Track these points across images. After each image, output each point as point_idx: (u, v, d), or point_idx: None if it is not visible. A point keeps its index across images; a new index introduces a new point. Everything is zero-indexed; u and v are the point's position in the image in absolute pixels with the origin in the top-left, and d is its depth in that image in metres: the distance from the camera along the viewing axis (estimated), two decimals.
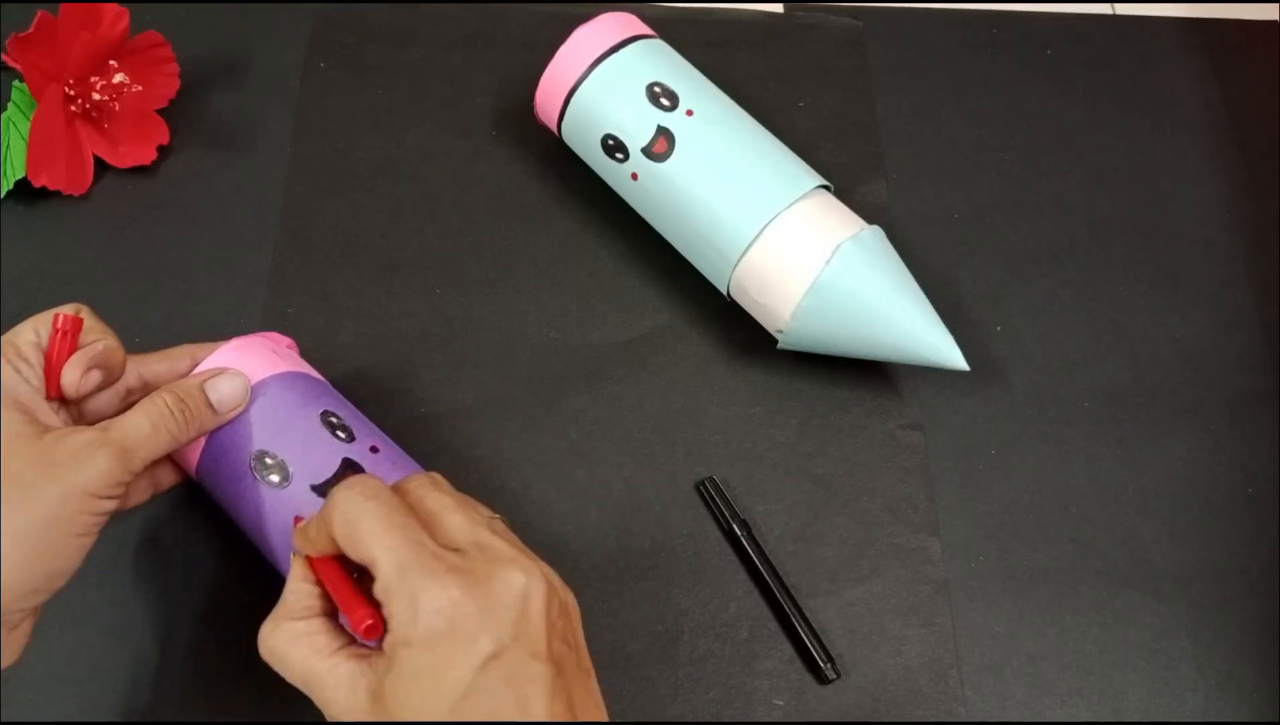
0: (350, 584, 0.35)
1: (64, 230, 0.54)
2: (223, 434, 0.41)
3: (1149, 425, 0.52)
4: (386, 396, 0.51)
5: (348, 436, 0.42)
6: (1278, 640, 0.48)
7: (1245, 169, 0.60)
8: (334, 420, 0.42)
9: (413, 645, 0.32)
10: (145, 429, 0.37)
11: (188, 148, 0.57)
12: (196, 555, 0.47)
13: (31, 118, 0.53)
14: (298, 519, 0.39)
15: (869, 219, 0.50)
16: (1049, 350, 0.54)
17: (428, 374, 0.51)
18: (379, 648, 0.33)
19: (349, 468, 0.41)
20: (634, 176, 0.51)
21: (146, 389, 0.41)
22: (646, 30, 0.53)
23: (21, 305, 0.52)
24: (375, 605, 0.33)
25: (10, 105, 0.55)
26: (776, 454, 0.51)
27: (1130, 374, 0.54)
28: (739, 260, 0.48)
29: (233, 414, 0.41)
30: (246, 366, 0.42)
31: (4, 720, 0.44)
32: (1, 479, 0.34)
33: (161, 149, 0.56)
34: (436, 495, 0.36)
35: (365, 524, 0.33)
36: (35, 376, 0.37)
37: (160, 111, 0.56)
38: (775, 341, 0.50)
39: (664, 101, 0.50)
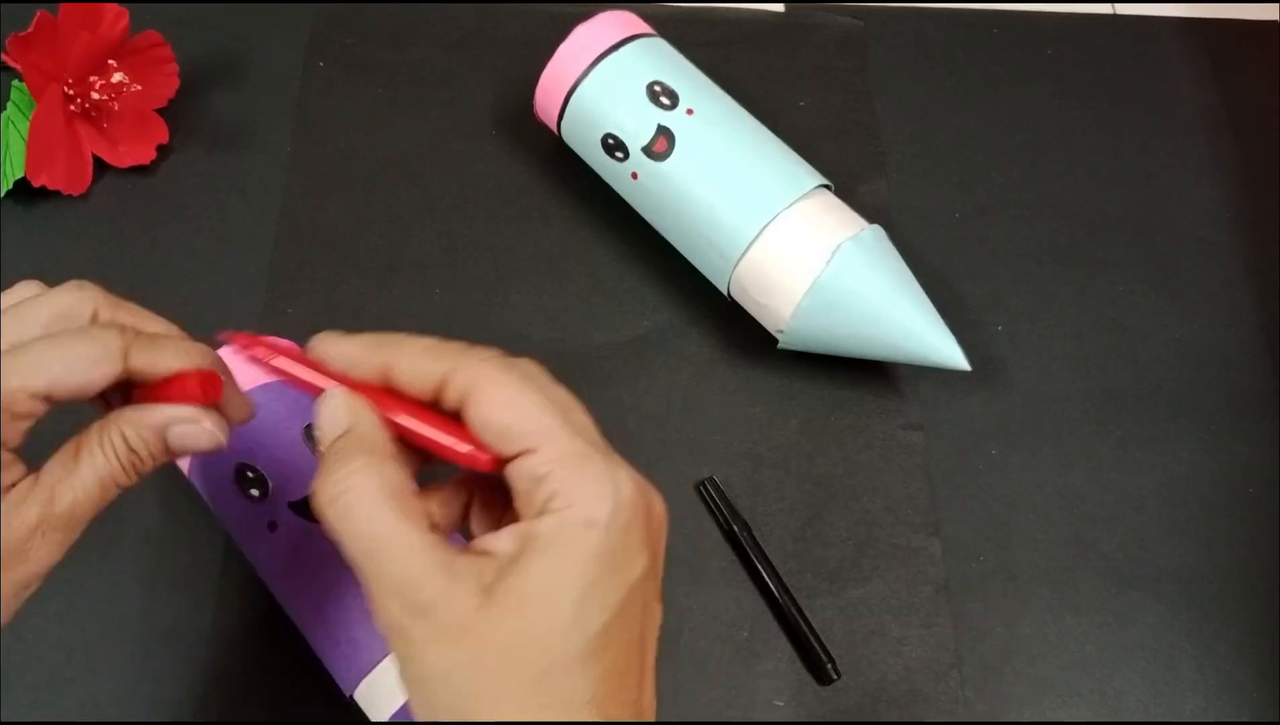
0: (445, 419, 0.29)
1: (63, 230, 0.54)
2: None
3: (1149, 425, 0.52)
4: None
5: None
6: (1278, 640, 0.48)
7: (1245, 169, 0.60)
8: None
9: (596, 526, 0.26)
10: (94, 494, 0.30)
11: (187, 147, 0.57)
12: (199, 556, 0.47)
13: (31, 117, 0.52)
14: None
15: (869, 218, 0.50)
16: (1049, 350, 0.54)
17: None
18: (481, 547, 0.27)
19: None
20: (634, 176, 0.51)
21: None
22: (646, 29, 0.53)
23: None
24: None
25: (10, 105, 0.55)
26: (776, 454, 0.51)
27: (1130, 374, 0.54)
28: (739, 260, 0.48)
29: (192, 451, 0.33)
30: (234, 375, 0.41)
31: (4, 720, 0.44)
32: None
33: (161, 149, 0.56)
34: (558, 387, 0.31)
35: (521, 391, 0.28)
36: None
37: (160, 111, 0.56)
38: (775, 341, 0.50)
39: (664, 100, 0.50)
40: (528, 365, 0.30)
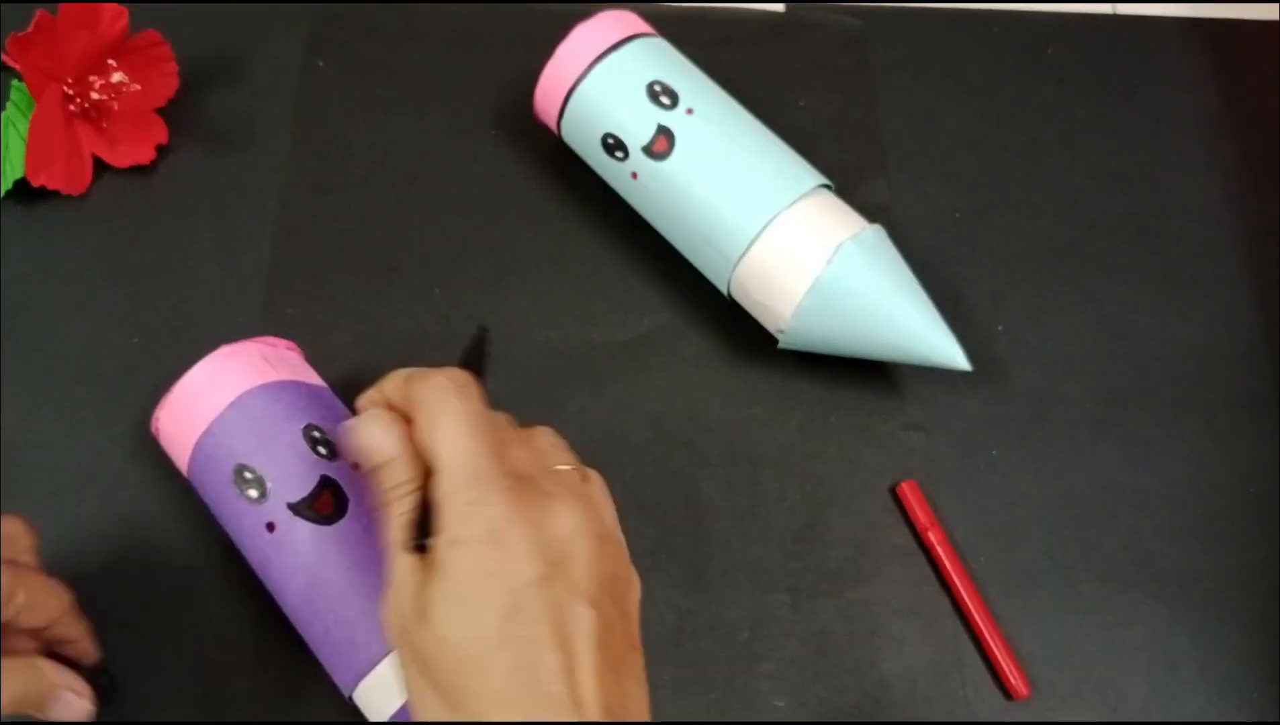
0: None
1: (62, 230, 0.54)
2: (208, 443, 0.41)
3: (1150, 425, 0.52)
4: None
5: (330, 452, 0.42)
6: (1279, 640, 0.48)
7: (1245, 169, 0.60)
8: (316, 435, 0.42)
9: (461, 544, 0.31)
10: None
11: (186, 147, 0.57)
12: (199, 556, 0.46)
13: (30, 117, 0.52)
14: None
15: (870, 218, 0.50)
16: (1050, 350, 0.54)
17: None
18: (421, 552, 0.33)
19: (327, 486, 0.40)
20: (634, 175, 0.51)
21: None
22: (646, 28, 0.53)
23: (20, 305, 0.52)
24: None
25: (9, 105, 0.55)
26: (776, 454, 0.51)
27: (1131, 374, 0.54)
28: (739, 259, 0.48)
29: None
30: (232, 376, 0.42)
31: (4, 720, 0.43)
32: None
33: (160, 148, 0.56)
34: (509, 430, 0.36)
35: (448, 421, 0.33)
36: None
37: (159, 111, 0.56)
38: (775, 341, 0.50)
39: (664, 100, 0.50)
40: (458, 389, 0.34)
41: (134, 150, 0.55)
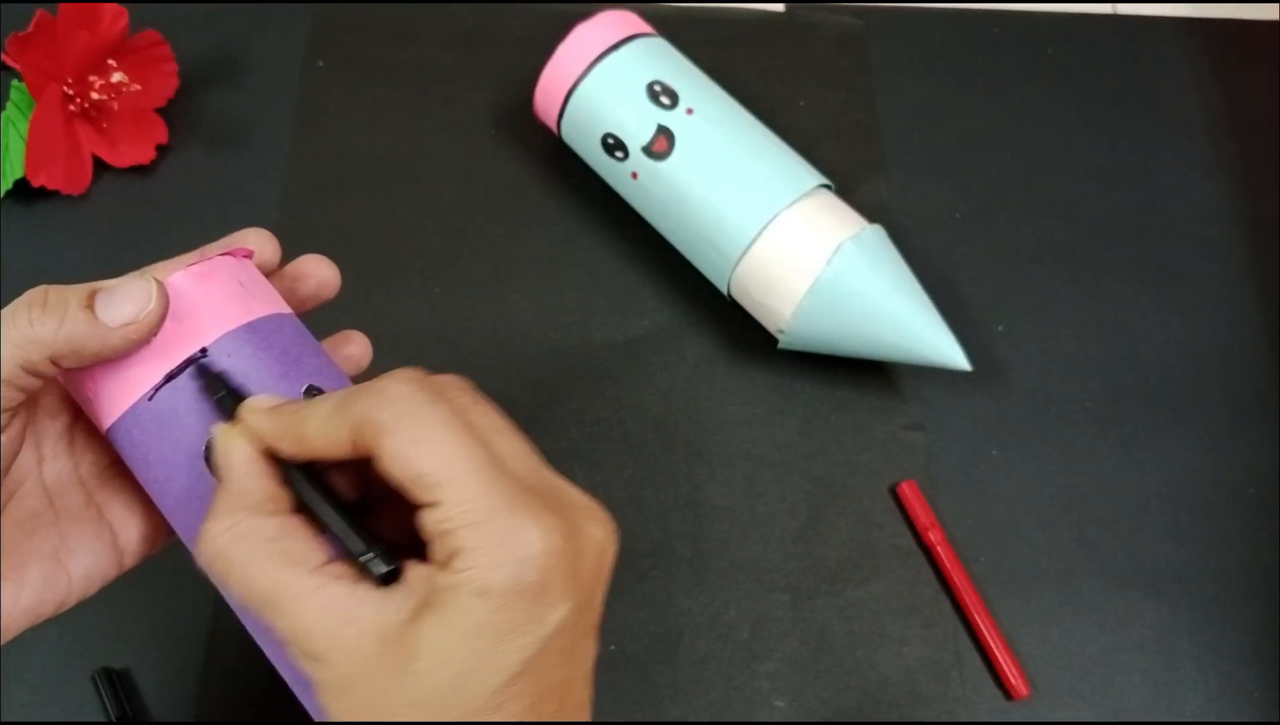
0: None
1: (63, 230, 0.54)
2: (163, 402, 0.31)
3: (1150, 425, 0.52)
4: None
5: None
6: (1279, 640, 0.48)
7: (1245, 169, 0.60)
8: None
9: (490, 595, 0.25)
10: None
11: (186, 147, 0.57)
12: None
13: (30, 117, 0.52)
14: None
15: (870, 218, 0.50)
16: (1050, 350, 0.54)
17: None
18: (394, 582, 0.27)
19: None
20: (634, 175, 0.51)
21: None
22: (646, 28, 0.53)
23: None
24: (402, 534, 0.27)
25: (9, 105, 0.55)
26: (776, 454, 0.51)
27: (1131, 374, 0.54)
28: (740, 259, 0.48)
29: (130, 333, 0.29)
30: (210, 305, 0.32)
31: (4, 720, 0.43)
32: None
33: (160, 148, 0.56)
34: (483, 410, 0.29)
35: (434, 432, 0.26)
36: None
37: (159, 111, 0.56)
38: (776, 341, 0.50)
39: (664, 100, 0.50)
40: (447, 389, 0.28)
41: (134, 150, 0.55)
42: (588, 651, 0.28)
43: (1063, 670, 0.47)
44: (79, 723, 0.44)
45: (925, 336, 0.47)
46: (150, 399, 0.30)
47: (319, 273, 0.36)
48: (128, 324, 0.29)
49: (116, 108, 0.55)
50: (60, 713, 0.44)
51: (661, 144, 0.49)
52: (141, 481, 0.32)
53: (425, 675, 0.25)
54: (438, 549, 0.26)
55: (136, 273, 0.31)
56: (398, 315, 0.53)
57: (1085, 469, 0.51)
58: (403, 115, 0.58)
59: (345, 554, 0.28)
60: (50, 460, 0.33)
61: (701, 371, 0.52)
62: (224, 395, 0.30)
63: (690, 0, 0.63)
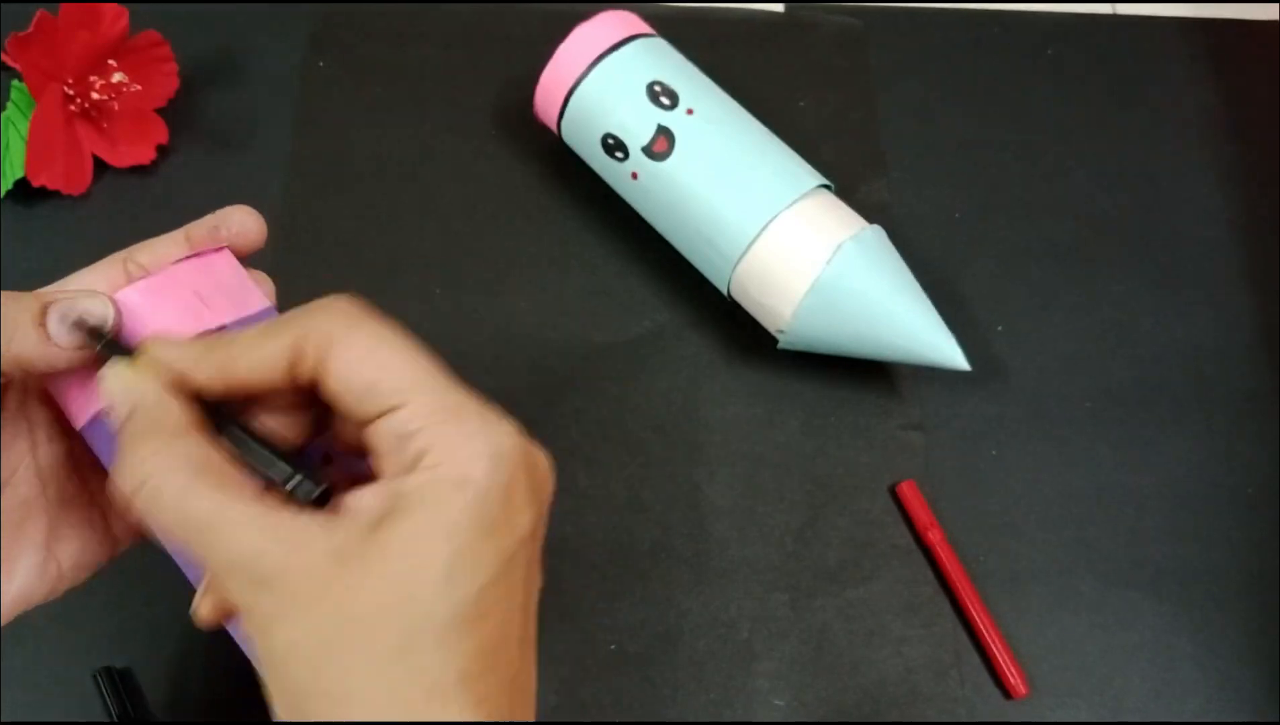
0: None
1: (63, 230, 0.54)
2: None
3: (1149, 425, 0.52)
4: None
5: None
6: (1278, 640, 0.48)
7: (1245, 169, 0.60)
8: None
9: (469, 487, 0.24)
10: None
11: (187, 147, 0.57)
12: None
13: (31, 117, 0.52)
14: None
15: (870, 218, 0.50)
16: (1050, 350, 0.54)
17: None
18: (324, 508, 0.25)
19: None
20: (634, 176, 0.51)
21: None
22: (646, 29, 0.53)
23: None
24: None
25: (9, 105, 0.55)
26: (776, 454, 0.51)
27: (1131, 374, 0.54)
28: (740, 260, 0.48)
29: (83, 356, 0.28)
30: (158, 322, 0.30)
31: (4, 720, 0.44)
32: None
33: (160, 148, 0.56)
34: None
35: (386, 340, 0.26)
36: None
37: (159, 111, 0.56)
38: (775, 341, 0.50)
39: (664, 100, 0.50)
40: (369, 313, 0.27)
41: (134, 150, 0.55)
42: (536, 582, 0.26)
43: (1062, 670, 0.47)
44: (80, 722, 0.44)
45: (925, 336, 0.47)
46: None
47: (238, 219, 0.34)
48: (80, 347, 0.28)
49: (117, 108, 0.55)
50: (61, 712, 0.44)
51: (661, 144, 0.49)
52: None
53: (403, 584, 0.23)
54: (398, 456, 0.25)
55: (99, 269, 0.31)
56: (398, 315, 0.52)
57: (1085, 469, 0.51)
58: (403, 115, 0.58)
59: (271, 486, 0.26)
60: (44, 445, 0.32)
61: (701, 371, 0.52)
62: (107, 342, 0.28)
63: (690, 0, 0.63)
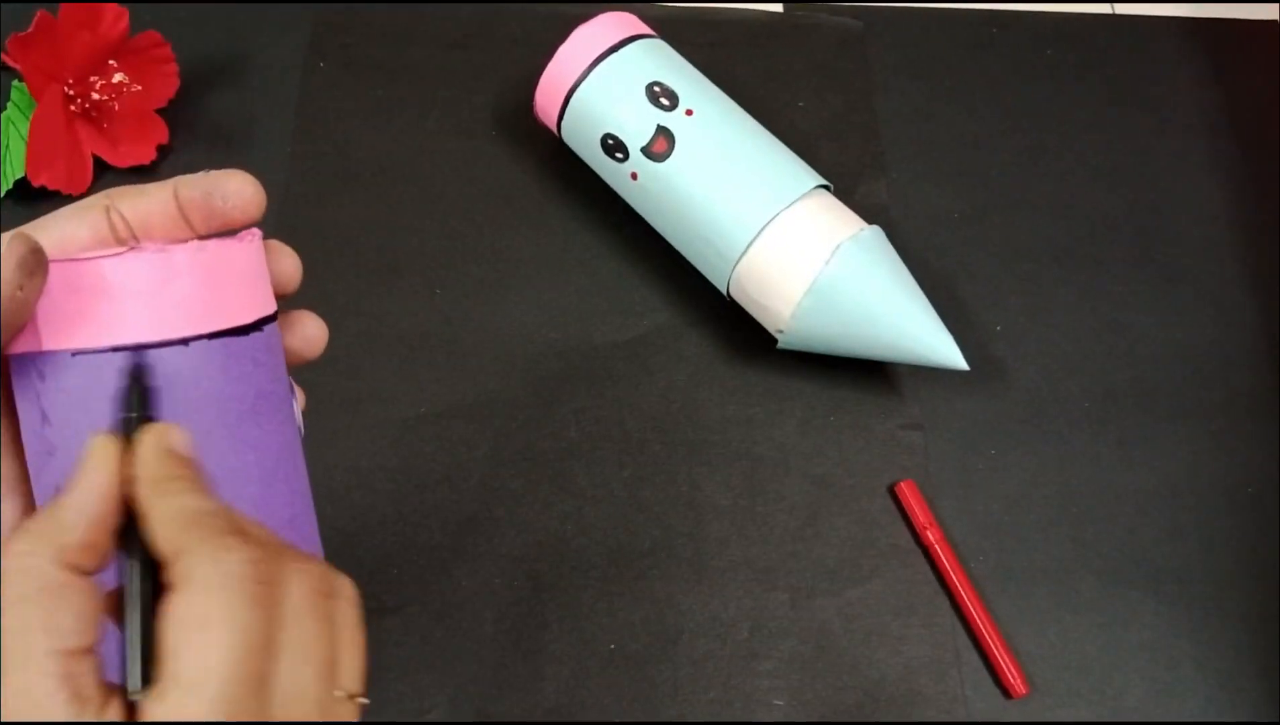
0: None
1: None
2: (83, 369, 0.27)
3: (1149, 425, 0.52)
4: (387, 396, 0.51)
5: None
6: (1278, 640, 0.48)
7: (1245, 169, 0.60)
8: None
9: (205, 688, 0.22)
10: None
11: (187, 147, 0.57)
12: None
13: (31, 117, 0.53)
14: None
15: (869, 219, 0.50)
16: (1049, 350, 0.54)
17: (428, 374, 0.51)
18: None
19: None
20: (634, 176, 0.51)
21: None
22: (646, 30, 0.53)
23: None
24: None
25: (10, 105, 0.55)
26: (776, 453, 0.51)
27: (1130, 374, 0.54)
28: (739, 260, 0.48)
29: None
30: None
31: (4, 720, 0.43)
32: None
33: (161, 149, 0.56)
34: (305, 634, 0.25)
35: (214, 620, 0.23)
36: None
37: (160, 111, 0.56)
38: (775, 341, 0.50)
39: (664, 101, 0.50)
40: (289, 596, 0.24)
41: (135, 150, 0.55)
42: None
43: (1061, 669, 0.47)
44: (81, 722, 0.44)
45: (923, 336, 0.48)
46: (73, 356, 0.27)
47: (235, 187, 0.32)
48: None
49: (117, 108, 0.55)
50: None
51: (661, 145, 0.49)
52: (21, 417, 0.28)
53: None
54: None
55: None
56: (398, 315, 0.53)
57: (1084, 468, 0.51)
58: (403, 116, 0.58)
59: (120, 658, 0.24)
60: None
61: (701, 371, 0.52)
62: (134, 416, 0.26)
63: (690, 1, 0.63)
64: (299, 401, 0.32)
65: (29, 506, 0.29)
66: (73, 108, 0.54)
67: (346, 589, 0.26)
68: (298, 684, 0.24)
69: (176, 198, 0.30)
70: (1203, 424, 0.53)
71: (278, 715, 0.23)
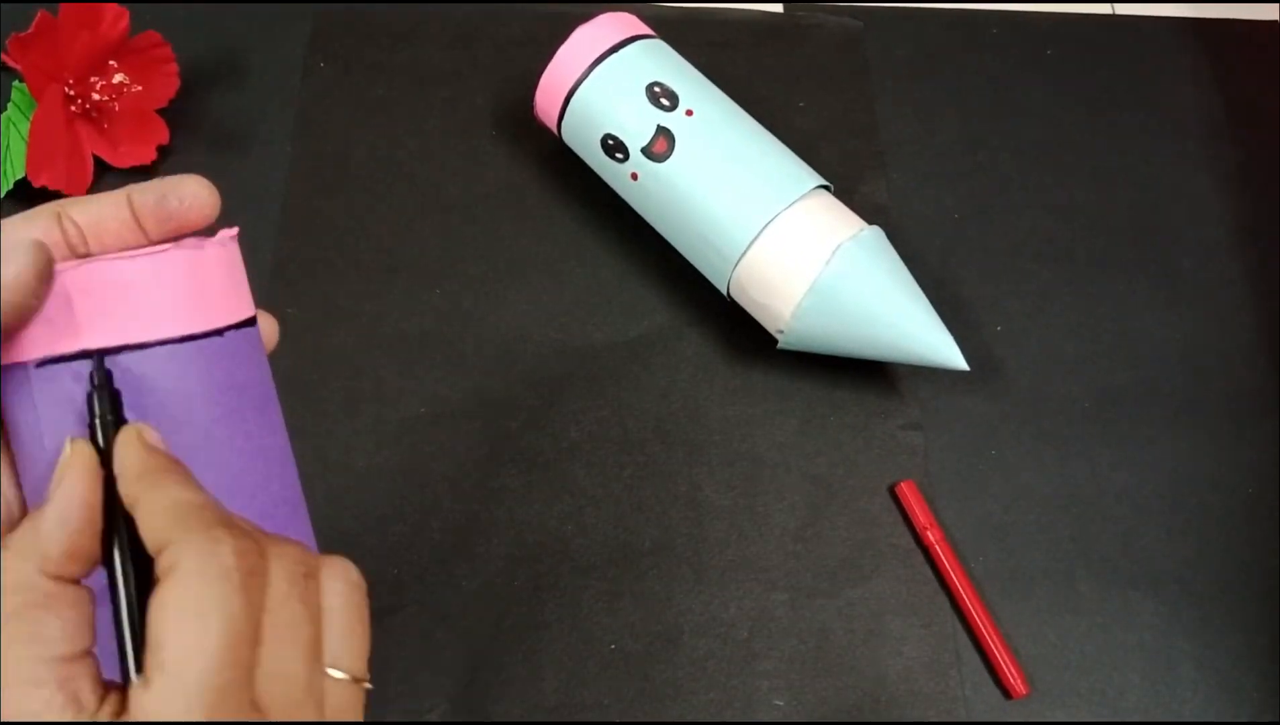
0: None
1: None
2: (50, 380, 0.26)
3: (1149, 425, 0.52)
4: (387, 396, 0.51)
5: None
6: (1278, 640, 0.48)
7: (1245, 169, 0.60)
8: None
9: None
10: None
11: (187, 148, 0.57)
12: None
13: (31, 118, 0.53)
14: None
15: (869, 219, 0.50)
16: (1049, 350, 0.54)
17: (428, 374, 0.51)
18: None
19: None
20: (634, 176, 0.51)
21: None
22: (646, 30, 0.53)
23: None
24: None
25: (10, 105, 0.55)
26: (776, 454, 0.51)
27: (1130, 374, 0.54)
28: (739, 260, 0.48)
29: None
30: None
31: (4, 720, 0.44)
32: None
33: (161, 149, 0.56)
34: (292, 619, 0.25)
35: (201, 610, 0.23)
36: None
37: (160, 111, 0.56)
38: (775, 341, 0.50)
39: (664, 101, 0.50)
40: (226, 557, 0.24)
41: (135, 151, 0.55)
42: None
43: (1061, 669, 0.47)
44: (89, 722, 0.44)
45: (924, 337, 0.48)
46: (38, 366, 0.26)
47: (190, 189, 0.31)
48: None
49: (118, 108, 0.55)
50: None
51: (661, 145, 0.49)
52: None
53: None
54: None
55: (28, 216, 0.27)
56: (398, 315, 0.53)
57: (1084, 469, 0.51)
58: (403, 116, 0.58)
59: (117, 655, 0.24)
60: None
61: (701, 371, 0.52)
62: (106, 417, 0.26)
63: (689, 1, 0.63)
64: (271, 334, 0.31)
65: (24, 514, 0.29)
66: (73, 108, 0.54)
67: (351, 574, 0.26)
68: (283, 666, 0.24)
69: (130, 204, 0.29)
70: (1203, 424, 0.53)
71: (265, 698, 0.23)
